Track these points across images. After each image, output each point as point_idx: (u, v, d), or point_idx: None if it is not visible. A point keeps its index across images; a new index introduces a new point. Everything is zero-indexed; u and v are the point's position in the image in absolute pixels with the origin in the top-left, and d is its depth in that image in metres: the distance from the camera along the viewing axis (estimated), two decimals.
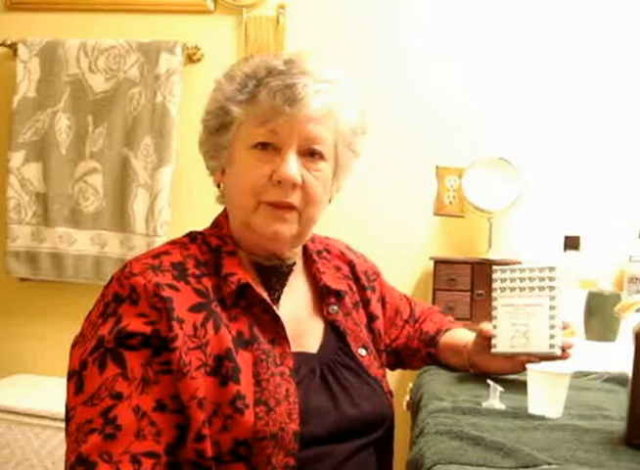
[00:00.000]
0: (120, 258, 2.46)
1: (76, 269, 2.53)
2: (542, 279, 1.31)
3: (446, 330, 1.47)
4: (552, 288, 1.30)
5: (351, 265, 1.37)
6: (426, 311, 1.55)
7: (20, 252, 2.56)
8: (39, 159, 2.54)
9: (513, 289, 1.34)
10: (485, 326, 1.34)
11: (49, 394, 2.40)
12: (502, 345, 1.30)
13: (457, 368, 1.43)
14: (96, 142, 2.52)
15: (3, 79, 2.66)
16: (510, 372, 1.36)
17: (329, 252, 1.36)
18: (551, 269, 1.30)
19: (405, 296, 1.55)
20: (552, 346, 1.28)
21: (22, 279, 2.62)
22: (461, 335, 1.46)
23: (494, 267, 1.39)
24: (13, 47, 2.60)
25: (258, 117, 1.14)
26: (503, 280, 1.36)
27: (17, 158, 2.55)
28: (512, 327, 1.31)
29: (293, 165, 1.13)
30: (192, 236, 1.21)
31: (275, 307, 1.17)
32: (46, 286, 2.63)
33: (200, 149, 1.25)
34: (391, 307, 1.46)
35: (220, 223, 1.22)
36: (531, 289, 1.32)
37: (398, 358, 1.48)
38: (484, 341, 1.33)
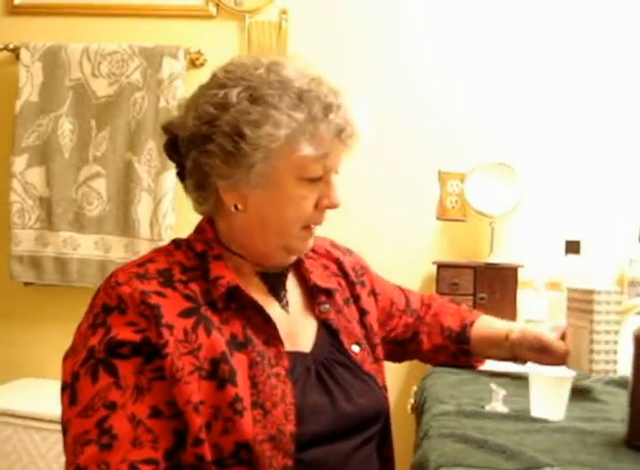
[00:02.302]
0: (125, 262, 2.45)
1: (81, 274, 2.53)
2: (588, 302, 1.30)
3: (471, 323, 1.49)
4: (591, 311, 1.28)
5: (338, 263, 1.37)
6: (426, 299, 1.56)
7: (23, 256, 2.56)
8: (42, 163, 2.55)
9: (573, 309, 1.36)
10: (554, 340, 1.38)
11: (55, 397, 2.38)
12: (570, 362, 1.33)
13: (497, 359, 1.48)
14: (99, 146, 2.53)
15: (6, 84, 2.66)
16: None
17: (314, 251, 1.36)
18: (590, 293, 1.29)
19: (399, 286, 1.56)
20: (591, 371, 1.29)
21: (27, 284, 2.63)
22: (494, 325, 1.50)
23: (567, 287, 1.41)
24: (15, 51, 2.60)
25: (317, 151, 1.12)
26: (569, 300, 1.38)
27: (20, 162, 2.55)
28: (575, 347, 1.33)
29: (338, 191, 1.17)
30: (176, 243, 1.22)
31: (269, 310, 1.17)
32: (50, 290, 2.63)
33: (213, 170, 1.15)
34: (385, 299, 1.46)
35: (204, 229, 1.22)
36: (579, 310, 1.33)
37: (403, 349, 1.49)
38: (543, 347, 1.38)
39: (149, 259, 1.15)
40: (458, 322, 1.49)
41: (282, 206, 1.15)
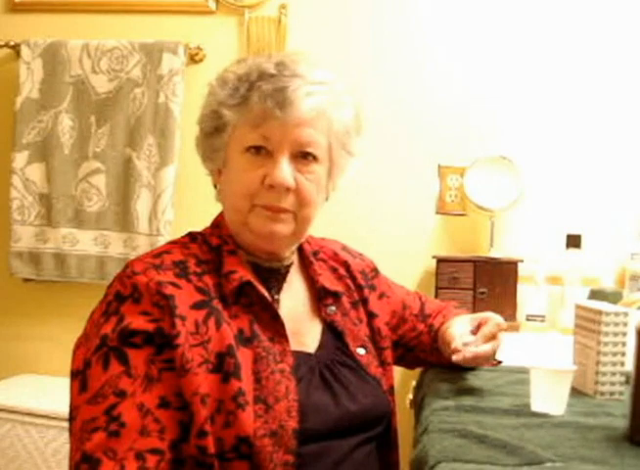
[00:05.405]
0: (124, 257, 2.46)
1: (80, 269, 2.53)
2: (595, 322, 1.29)
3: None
4: (598, 332, 1.27)
5: (346, 266, 1.37)
6: (440, 307, 1.54)
7: (23, 252, 2.56)
8: (42, 159, 2.54)
9: (580, 327, 1.35)
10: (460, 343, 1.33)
11: (53, 394, 2.41)
12: (575, 382, 1.27)
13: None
14: (99, 142, 2.53)
15: (6, 80, 2.66)
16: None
17: (324, 253, 1.37)
18: (598, 313, 1.28)
19: (416, 292, 1.55)
20: (596, 392, 1.28)
21: (26, 279, 2.62)
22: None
23: (576, 303, 1.38)
24: (16, 48, 2.60)
25: (250, 121, 1.15)
26: (576, 317, 1.36)
27: (20, 158, 2.55)
28: (581, 366, 1.31)
29: (285, 170, 1.14)
30: (192, 236, 1.23)
31: (275, 306, 1.18)
32: (50, 286, 2.63)
33: (197, 150, 1.27)
34: (396, 302, 1.45)
35: (220, 224, 1.24)
36: (587, 329, 1.31)
37: (412, 355, 1.47)
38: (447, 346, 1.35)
39: (165, 251, 1.16)
40: (441, 321, 1.47)
41: (231, 180, 1.20)
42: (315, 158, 1.18)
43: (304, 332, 1.23)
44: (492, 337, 1.33)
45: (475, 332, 1.35)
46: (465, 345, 1.29)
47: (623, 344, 1.27)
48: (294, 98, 1.12)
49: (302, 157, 1.17)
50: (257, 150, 1.16)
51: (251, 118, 1.15)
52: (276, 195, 1.15)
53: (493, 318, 1.38)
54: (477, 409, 1.18)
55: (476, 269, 2.22)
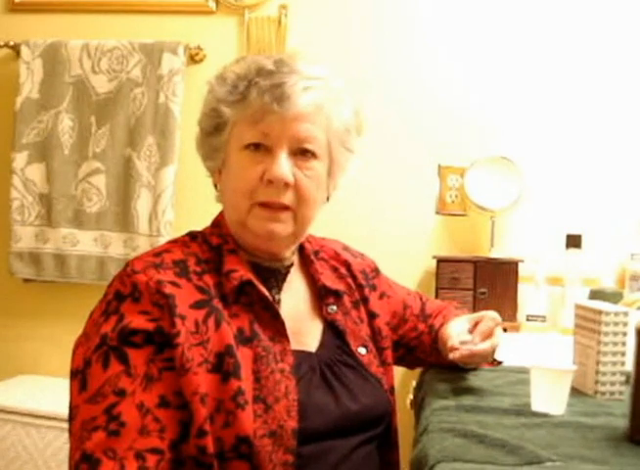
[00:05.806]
0: (124, 258, 2.46)
1: (80, 270, 2.53)
2: (596, 322, 1.29)
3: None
4: (598, 332, 1.27)
5: (347, 265, 1.37)
6: (440, 307, 1.54)
7: (23, 253, 2.56)
8: (42, 159, 2.55)
9: (580, 327, 1.34)
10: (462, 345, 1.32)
11: (53, 394, 2.41)
12: (575, 381, 1.26)
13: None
14: (99, 143, 2.53)
15: (6, 80, 2.66)
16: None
17: (325, 253, 1.37)
18: (598, 312, 1.28)
19: (417, 292, 1.55)
20: (596, 392, 1.28)
21: (26, 280, 2.62)
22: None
23: (576, 303, 1.38)
24: (16, 48, 2.60)
25: (249, 118, 1.15)
26: (576, 316, 1.36)
27: (20, 159, 2.55)
28: (581, 365, 1.31)
29: (283, 165, 1.14)
30: (192, 235, 1.23)
31: (276, 306, 1.18)
32: (50, 287, 2.63)
33: (197, 150, 1.26)
34: (397, 302, 1.45)
35: (220, 223, 1.23)
36: (587, 329, 1.31)
37: (412, 355, 1.47)
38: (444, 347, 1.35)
39: (165, 250, 1.16)
40: (441, 321, 1.46)
41: (230, 178, 1.19)
42: (314, 154, 1.18)
43: (305, 331, 1.23)
44: (489, 333, 1.33)
45: (472, 331, 1.35)
46: (462, 343, 1.29)
47: (623, 344, 1.27)
48: (291, 93, 1.12)
49: (301, 153, 1.17)
50: (256, 147, 1.15)
51: (250, 115, 1.15)
52: (275, 190, 1.14)
53: (489, 315, 1.38)
54: (477, 409, 1.17)
55: (476, 269, 2.22)
